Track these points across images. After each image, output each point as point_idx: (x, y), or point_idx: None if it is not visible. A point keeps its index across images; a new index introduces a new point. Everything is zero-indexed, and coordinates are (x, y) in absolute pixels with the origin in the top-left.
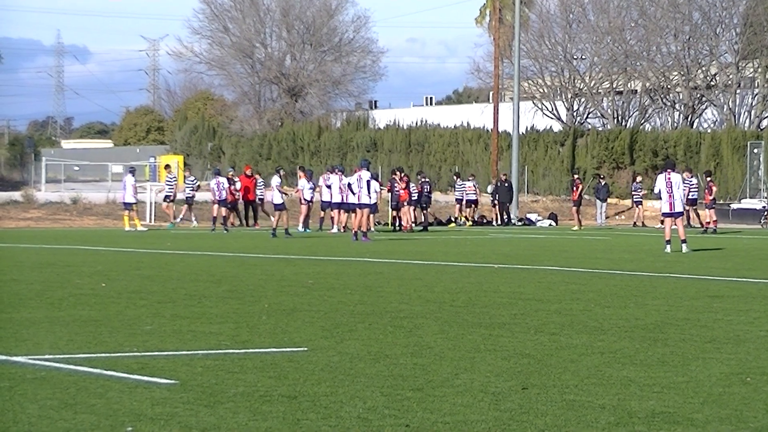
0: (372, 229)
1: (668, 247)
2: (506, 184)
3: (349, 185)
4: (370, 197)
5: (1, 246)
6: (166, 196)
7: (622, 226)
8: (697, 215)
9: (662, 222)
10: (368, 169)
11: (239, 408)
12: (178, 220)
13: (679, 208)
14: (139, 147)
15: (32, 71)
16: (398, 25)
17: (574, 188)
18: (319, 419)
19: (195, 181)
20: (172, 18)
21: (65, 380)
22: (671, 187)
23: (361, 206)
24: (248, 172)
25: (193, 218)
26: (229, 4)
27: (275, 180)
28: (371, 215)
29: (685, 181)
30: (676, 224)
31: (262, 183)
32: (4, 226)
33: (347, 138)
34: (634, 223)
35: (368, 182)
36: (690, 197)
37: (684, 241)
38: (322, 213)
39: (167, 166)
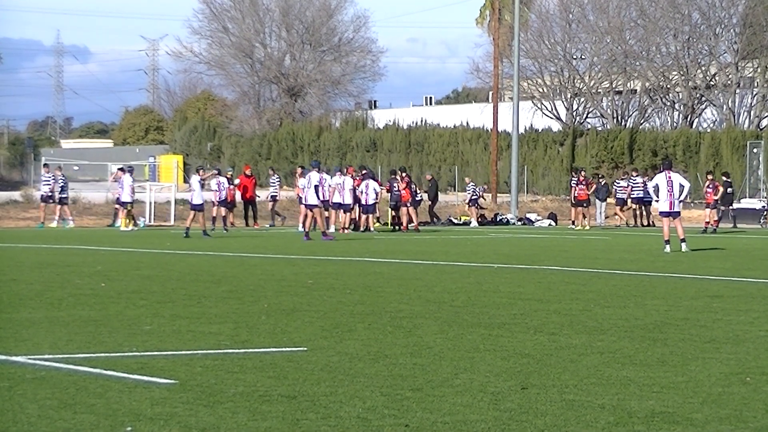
0: (372, 229)
1: (667, 246)
2: (429, 184)
3: (316, 187)
4: (318, 198)
5: (0, 246)
6: (42, 196)
7: (623, 226)
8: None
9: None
10: (319, 170)
11: (238, 408)
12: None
13: (677, 207)
14: (138, 147)
15: (32, 71)
16: (399, 25)
17: (584, 187)
18: (319, 419)
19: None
20: (172, 18)
21: (65, 380)
22: (672, 186)
23: (308, 206)
24: (247, 172)
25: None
26: (228, 4)
27: (195, 179)
28: (371, 216)
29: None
30: (674, 224)
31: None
32: (4, 226)
33: (347, 138)
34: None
35: (316, 186)
36: (636, 196)
37: (683, 240)
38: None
39: (45, 165)
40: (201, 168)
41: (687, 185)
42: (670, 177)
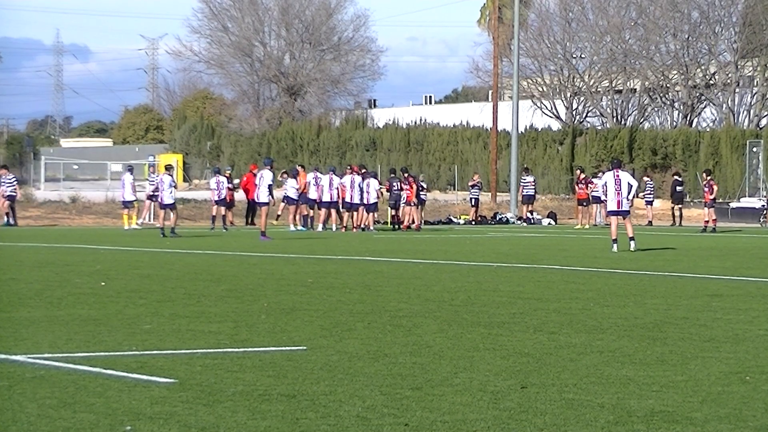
0: (372, 228)
1: (615, 246)
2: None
3: (269, 186)
4: (269, 196)
5: (0, 245)
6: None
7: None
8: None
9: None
10: (271, 168)
11: (238, 407)
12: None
13: (626, 206)
14: (138, 146)
15: (32, 70)
16: (399, 24)
17: (584, 186)
18: (318, 418)
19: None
20: (172, 17)
21: (64, 379)
22: (620, 185)
23: (260, 204)
24: (255, 171)
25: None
26: (228, 3)
27: (167, 179)
28: (362, 214)
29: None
30: (624, 223)
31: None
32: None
33: (346, 137)
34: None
35: (270, 186)
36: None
37: (632, 239)
38: (311, 212)
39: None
40: (171, 167)
41: (635, 185)
42: (618, 176)
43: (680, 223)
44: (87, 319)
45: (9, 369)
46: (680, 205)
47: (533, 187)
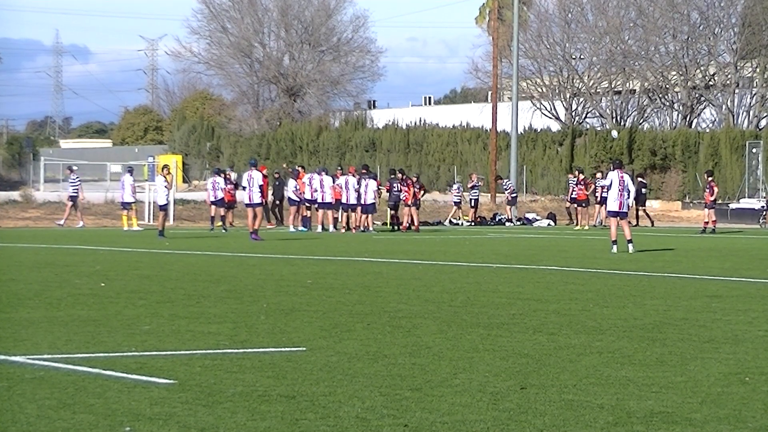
0: (371, 229)
1: (614, 247)
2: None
3: (260, 186)
4: (261, 196)
5: (0, 245)
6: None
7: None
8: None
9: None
10: (257, 168)
11: (238, 408)
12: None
13: (626, 208)
14: (137, 147)
15: (32, 71)
16: (398, 25)
17: (583, 187)
18: (318, 419)
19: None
20: (171, 18)
21: (64, 380)
22: (623, 186)
23: (252, 206)
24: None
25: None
26: (227, 4)
27: (159, 180)
28: (367, 215)
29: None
30: (621, 224)
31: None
32: (3, 226)
33: (346, 138)
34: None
35: (261, 186)
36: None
37: (630, 241)
38: (308, 212)
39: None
40: (166, 167)
41: (633, 189)
42: (622, 177)
43: (638, 223)
44: (86, 319)
45: (8, 370)
46: (643, 207)
47: (515, 188)
